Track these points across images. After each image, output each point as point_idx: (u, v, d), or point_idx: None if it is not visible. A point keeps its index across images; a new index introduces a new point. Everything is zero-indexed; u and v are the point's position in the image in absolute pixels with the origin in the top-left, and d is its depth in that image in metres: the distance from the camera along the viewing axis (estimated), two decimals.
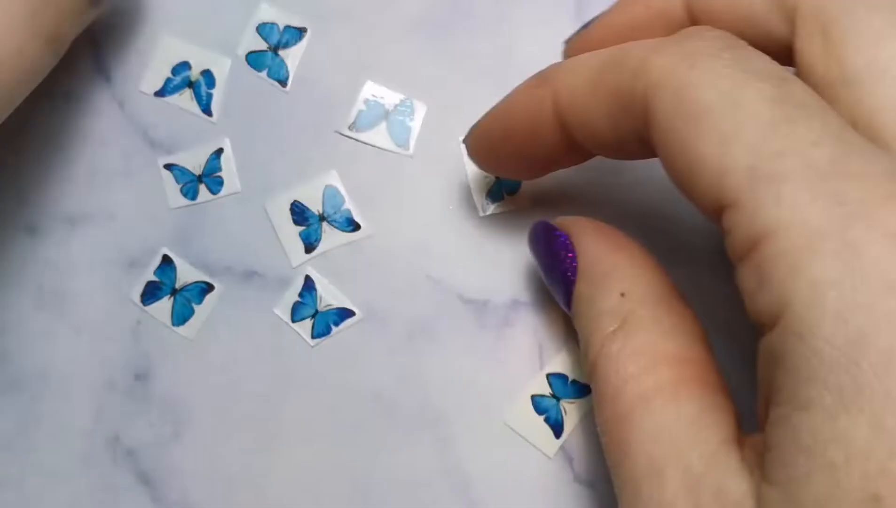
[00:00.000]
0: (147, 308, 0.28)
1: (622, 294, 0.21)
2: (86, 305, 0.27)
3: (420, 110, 0.28)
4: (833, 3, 0.19)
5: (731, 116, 0.17)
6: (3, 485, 0.27)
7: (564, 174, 0.27)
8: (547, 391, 0.27)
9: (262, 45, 0.28)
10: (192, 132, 0.28)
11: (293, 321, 0.27)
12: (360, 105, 0.28)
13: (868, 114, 0.18)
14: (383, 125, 0.28)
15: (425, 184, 0.28)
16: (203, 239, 0.28)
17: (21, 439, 0.27)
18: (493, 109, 0.24)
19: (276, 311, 0.27)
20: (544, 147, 0.23)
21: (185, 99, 0.28)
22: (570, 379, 0.27)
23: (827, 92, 0.19)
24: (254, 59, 0.28)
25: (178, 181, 0.28)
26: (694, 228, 0.27)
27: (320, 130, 0.28)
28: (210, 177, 0.28)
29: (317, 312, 0.27)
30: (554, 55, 0.28)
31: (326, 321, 0.27)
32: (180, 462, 0.27)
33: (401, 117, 0.28)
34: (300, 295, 0.27)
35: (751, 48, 0.19)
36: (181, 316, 0.28)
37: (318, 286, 0.27)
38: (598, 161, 0.24)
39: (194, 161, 0.28)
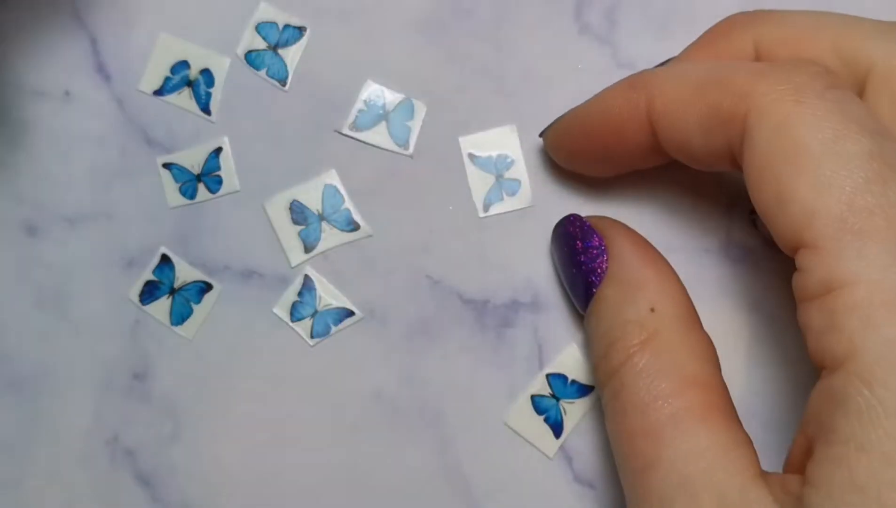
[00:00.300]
0: (146, 308, 0.27)
1: (652, 309, 0.22)
2: (85, 304, 0.27)
3: (420, 110, 0.28)
4: None
5: (829, 164, 0.18)
6: (2, 485, 0.27)
7: (569, 173, 0.27)
8: (547, 391, 0.27)
9: (262, 44, 0.28)
10: (191, 131, 0.28)
11: (292, 320, 0.27)
12: (360, 105, 0.28)
13: None
14: (383, 125, 0.28)
15: (425, 184, 0.28)
16: (202, 238, 0.28)
17: (20, 439, 0.27)
18: (580, 106, 0.25)
19: (276, 311, 0.27)
20: (628, 148, 0.24)
21: (183, 98, 0.28)
22: (570, 379, 0.27)
23: None
24: (253, 58, 0.28)
25: (176, 180, 0.28)
26: (694, 228, 0.27)
27: (320, 130, 0.28)
28: (209, 176, 0.28)
29: (316, 312, 0.27)
30: (554, 55, 0.28)
31: (326, 321, 0.27)
32: (179, 462, 0.27)
33: (401, 117, 0.28)
34: (299, 295, 0.27)
35: (849, 90, 0.20)
36: (180, 316, 0.27)
37: (317, 286, 0.27)
38: None
39: (193, 160, 0.28)
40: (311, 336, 0.27)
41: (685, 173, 0.24)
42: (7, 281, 0.27)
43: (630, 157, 0.24)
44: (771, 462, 0.22)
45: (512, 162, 0.27)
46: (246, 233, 0.28)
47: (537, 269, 0.27)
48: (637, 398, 0.21)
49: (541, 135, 0.27)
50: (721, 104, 0.20)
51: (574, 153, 0.26)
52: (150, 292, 0.28)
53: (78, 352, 0.27)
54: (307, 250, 0.28)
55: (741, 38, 0.23)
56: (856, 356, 0.17)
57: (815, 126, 0.19)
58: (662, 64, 0.25)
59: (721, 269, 0.27)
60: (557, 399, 0.27)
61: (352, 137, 0.28)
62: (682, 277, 0.23)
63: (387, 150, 0.28)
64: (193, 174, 0.28)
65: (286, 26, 0.28)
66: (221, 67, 0.28)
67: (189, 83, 0.28)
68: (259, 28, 0.28)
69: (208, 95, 0.28)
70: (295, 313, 0.27)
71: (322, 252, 0.28)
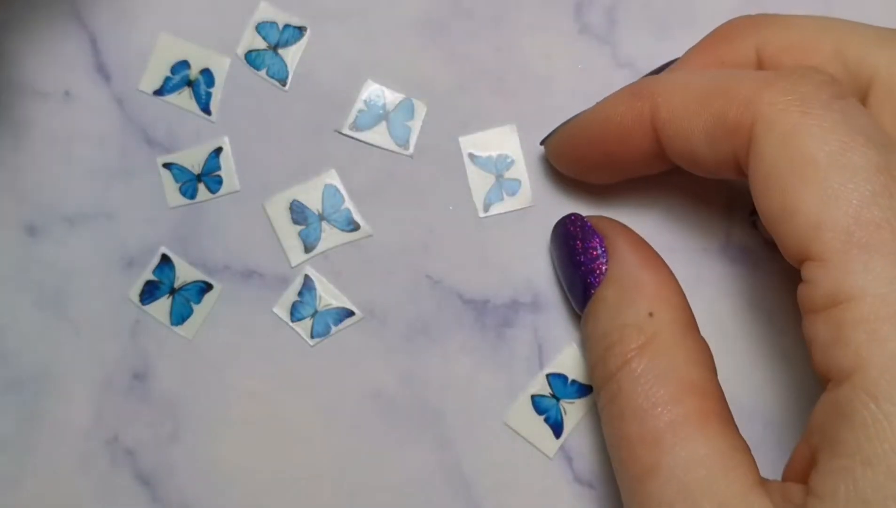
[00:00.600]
0: (146, 308, 0.27)
1: (651, 314, 0.22)
2: (85, 304, 0.27)
3: (420, 110, 0.28)
4: None
5: (835, 176, 0.18)
6: (2, 485, 0.27)
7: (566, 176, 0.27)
8: (547, 391, 0.27)
9: (262, 44, 0.28)
10: (191, 131, 0.28)
11: (292, 320, 0.27)
12: (360, 105, 0.28)
13: None
14: (383, 125, 0.28)
15: (425, 184, 0.28)
16: (202, 238, 0.28)
17: (20, 439, 0.27)
18: (582, 114, 0.25)
19: (276, 310, 0.27)
20: (631, 156, 0.24)
21: (184, 98, 0.28)
22: (570, 379, 0.27)
23: None
24: (253, 58, 0.28)
25: (176, 180, 0.28)
26: (693, 229, 0.27)
27: (320, 130, 0.28)
28: (209, 176, 0.28)
29: (316, 311, 0.27)
30: (554, 55, 0.28)
31: (326, 321, 0.27)
32: (179, 462, 0.27)
33: (401, 117, 0.28)
34: (299, 295, 0.27)
35: (855, 100, 0.20)
36: (180, 316, 0.27)
37: (317, 286, 0.27)
38: None
39: (193, 160, 0.28)
40: (312, 336, 0.27)
41: (685, 175, 0.24)
42: (7, 281, 0.27)
43: (633, 164, 0.24)
44: (771, 461, 0.22)
45: (512, 162, 0.27)
46: (246, 233, 0.28)
47: (537, 269, 0.27)
48: (635, 403, 0.21)
49: (542, 143, 0.27)
50: (727, 113, 0.20)
51: (576, 161, 0.26)
52: (150, 292, 0.28)
53: (78, 352, 0.27)
54: (307, 249, 0.28)
55: (743, 42, 0.23)
56: (862, 370, 0.17)
57: (822, 138, 0.19)
58: (664, 67, 0.25)
59: (721, 269, 0.27)
60: (557, 399, 0.27)
61: (352, 137, 0.28)
62: (681, 277, 0.23)
63: (387, 150, 0.28)
64: (193, 174, 0.28)
65: (286, 26, 0.28)
66: (222, 67, 0.28)
67: (189, 83, 0.28)
68: (259, 28, 0.28)
69: (208, 94, 0.28)
70: (295, 313, 0.27)
71: (322, 252, 0.28)
